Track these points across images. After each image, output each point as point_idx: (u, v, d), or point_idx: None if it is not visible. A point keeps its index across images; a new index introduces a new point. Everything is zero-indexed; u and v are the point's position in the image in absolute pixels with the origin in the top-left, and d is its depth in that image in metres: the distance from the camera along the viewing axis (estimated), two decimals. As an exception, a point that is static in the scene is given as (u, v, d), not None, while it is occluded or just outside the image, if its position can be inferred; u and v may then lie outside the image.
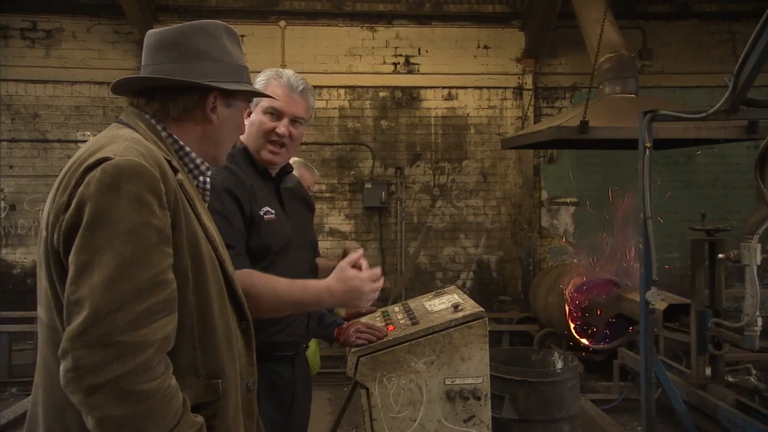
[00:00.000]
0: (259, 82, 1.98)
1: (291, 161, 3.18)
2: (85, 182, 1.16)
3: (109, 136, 1.29)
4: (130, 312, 1.10)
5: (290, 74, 2.00)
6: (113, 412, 1.08)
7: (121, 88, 1.40)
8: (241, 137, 2.03)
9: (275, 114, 1.98)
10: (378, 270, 1.83)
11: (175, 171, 1.28)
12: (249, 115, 2.00)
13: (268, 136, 1.98)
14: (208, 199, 1.47)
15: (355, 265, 1.83)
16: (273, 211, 1.95)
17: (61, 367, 1.10)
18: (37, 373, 1.30)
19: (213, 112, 1.41)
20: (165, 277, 1.17)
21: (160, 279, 1.15)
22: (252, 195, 1.90)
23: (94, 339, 1.08)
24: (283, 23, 7.52)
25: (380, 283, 1.81)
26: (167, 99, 1.37)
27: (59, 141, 7.39)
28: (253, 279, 1.71)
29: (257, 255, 1.87)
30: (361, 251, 1.88)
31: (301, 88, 1.99)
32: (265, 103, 1.96)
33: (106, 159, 1.17)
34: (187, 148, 1.40)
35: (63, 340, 1.10)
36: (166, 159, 1.27)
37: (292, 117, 1.98)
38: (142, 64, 1.41)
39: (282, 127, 1.97)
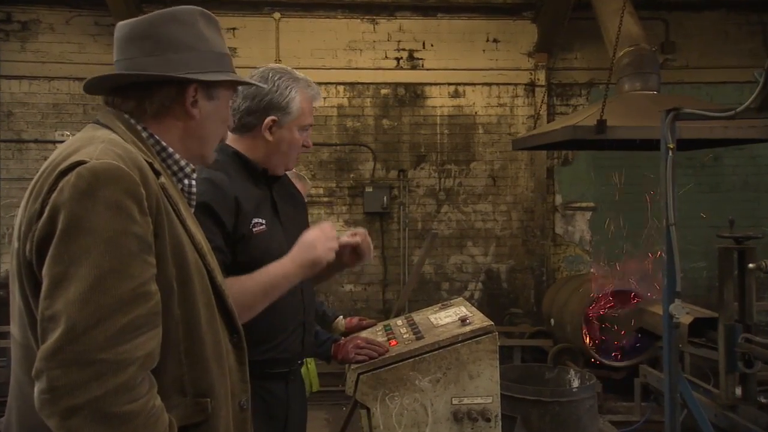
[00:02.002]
0: (288, 90, 1.97)
1: None
2: (58, 188, 1.16)
3: (84, 137, 1.29)
4: (110, 327, 1.10)
5: (313, 83, 2.06)
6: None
7: (93, 87, 1.40)
8: (258, 154, 2.00)
9: (307, 129, 2.05)
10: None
11: (158, 174, 1.28)
12: (270, 130, 1.97)
13: (299, 149, 2.06)
14: (194, 203, 1.47)
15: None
16: (264, 222, 1.94)
17: (36, 389, 1.09)
18: (10, 394, 1.30)
19: (194, 107, 1.41)
20: (147, 289, 1.16)
21: (141, 291, 1.15)
22: (236, 209, 1.88)
23: (70, 357, 1.07)
24: (277, 15, 7.54)
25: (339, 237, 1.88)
26: (143, 96, 1.37)
27: (35, 141, 7.40)
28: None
29: (247, 272, 1.85)
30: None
31: (318, 98, 2.07)
32: (305, 119, 2.01)
33: (81, 162, 1.17)
34: (170, 149, 1.40)
35: (37, 359, 1.10)
36: (147, 161, 1.27)
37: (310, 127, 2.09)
38: (114, 59, 1.41)
39: (309, 140, 2.07)
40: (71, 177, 1.16)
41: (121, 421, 1.09)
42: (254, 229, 1.90)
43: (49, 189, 1.17)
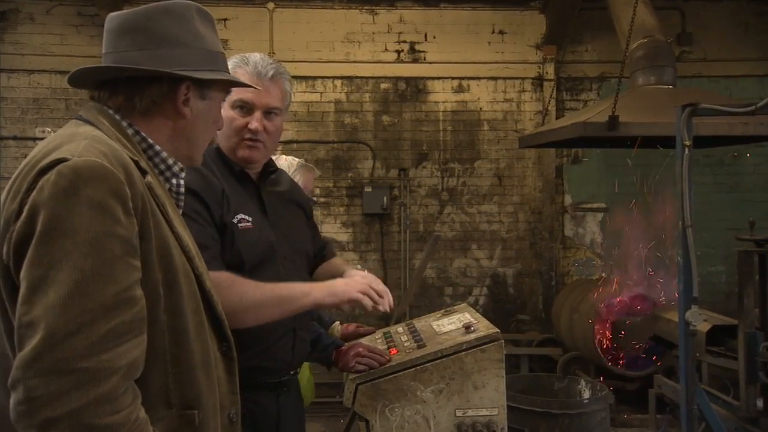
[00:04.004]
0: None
1: (289, 162, 3.19)
2: (38, 187, 1.16)
3: (66, 134, 1.29)
4: (92, 334, 1.09)
5: (257, 59, 2.01)
6: None
7: (79, 79, 1.40)
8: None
9: (245, 108, 1.99)
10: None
11: (144, 173, 1.29)
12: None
13: (241, 133, 1.99)
14: (182, 204, 1.47)
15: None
16: (250, 219, 1.95)
17: (12, 399, 1.09)
18: None
19: (185, 105, 1.41)
20: (132, 294, 1.16)
21: (126, 296, 1.15)
22: (223, 201, 1.90)
23: (49, 366, 1.07)
24: (271, 5, 7.55)
25: (381, 289, 1.91)
26: (132, 91, 1.38)
27: (14, 138, 7.40)
28: (233, 278, 1.77)
29: (229, 269, 1.86)
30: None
31: (271, 73, 1.99)
32: (233, 96, 1.96)
33: (62, 160, 1.17)
34: (157, 147, 1.40)
35: (14, 367, 1.09)
36: (132, 159, 1.27)
37: (264, 109, 2.00)
38: (103, 51, 1.42)
39: (255, 122, 1.98)
40: (52, 175, 1.16)
41: None
42: (239, 225, 1.92)
43: (28, 188, 1.17)
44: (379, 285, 1.95)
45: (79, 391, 1.07)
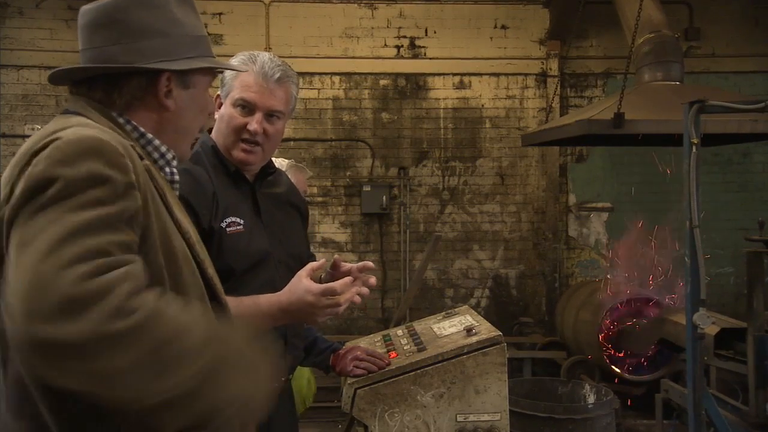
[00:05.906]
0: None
1: (279, 163, 3.19)
2: (33, 163, 1.13)
3: (57, 125, 1.27)
4: (81, 266, 1.03)
5: (266, 59, 1.98)
6: (119, 364, 1.01)
7: (59, 78, 1.39)
8: (212, 134, 2.04)
9: (246, 107, 1.96)
10: (339, 284, 1.78)
11: (140, 158, 1.27)
12: (220, 107, 2.00)
13: (239, 133, 1.96)
14: (177, 191, 1.46)
15: (335, 276, 1.83)
16: (242, 222, 1.94)
17: (23, 362, 1.06)
18: None
19: (168, 97, 1.39)
20: (126, 246, 1.10)
21: (120, 243, 1.09)
22: (213, 204, 1.89)
23: (46, 307, 1.01)
24: (267, -1, 7.56)
25: (339, 299, 1.77)
26: (111, 87, 1.36)
27: (3, 136, 7.40)
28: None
29: (218, 275, 1.85)
30: (335, 260, 1.89)
31: (278, 75, 1.96)
32: (235, 94, 1.96)
33: (56, 138, 1.16)
34: (149, 135, 1.39)
35: (9, 325, 1.04)
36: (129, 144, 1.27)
37: (267, 111, 1.97)
38: (80, 48, 1.40)
39: (254, 124, 1.95)
40: (47, 150, 1.13)
41: (134, 332, 1.02)
42: (228, 229, 1.90)
43: (20, 171, 1.15)
44: (333, 289, 1.77)
45: (87, 314, 1.01)
